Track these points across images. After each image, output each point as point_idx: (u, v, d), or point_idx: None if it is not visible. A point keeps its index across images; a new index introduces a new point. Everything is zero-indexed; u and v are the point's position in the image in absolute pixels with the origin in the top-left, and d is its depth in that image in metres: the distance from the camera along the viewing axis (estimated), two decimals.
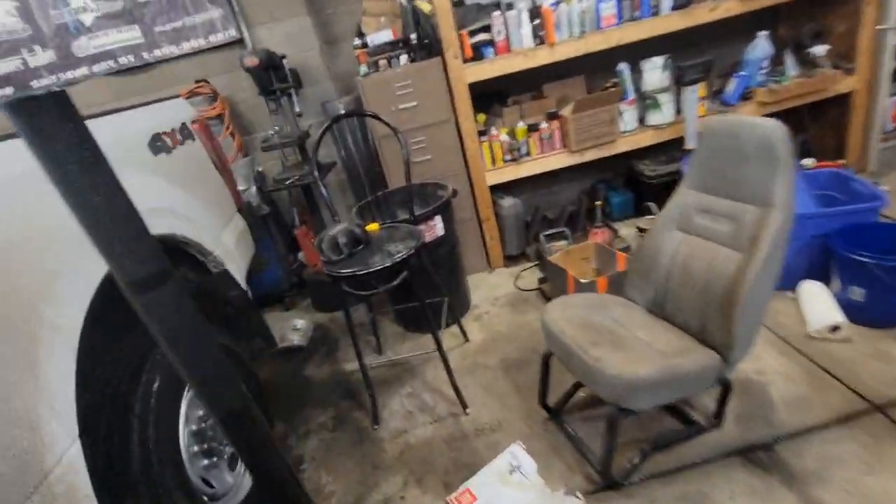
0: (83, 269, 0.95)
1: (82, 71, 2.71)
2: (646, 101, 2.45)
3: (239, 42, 2.66)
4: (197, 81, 2.68)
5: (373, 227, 1.71)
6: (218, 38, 2.66)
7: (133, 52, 2.68)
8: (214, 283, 1.63)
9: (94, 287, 0.96)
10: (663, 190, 2.56)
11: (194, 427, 1.31)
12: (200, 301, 1.72)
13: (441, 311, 2.08)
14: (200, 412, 1.36)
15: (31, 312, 0.80)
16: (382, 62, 2.27)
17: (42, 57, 2.68)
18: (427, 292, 2.02)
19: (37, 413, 0.75)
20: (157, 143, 1.48)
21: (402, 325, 2.34)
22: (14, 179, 0.87)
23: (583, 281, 1.82)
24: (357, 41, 2.39)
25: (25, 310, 0.79)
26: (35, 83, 2.71)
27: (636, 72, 2.44)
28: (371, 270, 1.43)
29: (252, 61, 2.19)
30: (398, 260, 1.46)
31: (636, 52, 2.39)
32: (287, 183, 2.36)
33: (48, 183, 0.98)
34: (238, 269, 1.75)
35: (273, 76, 2.32)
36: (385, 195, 2.28)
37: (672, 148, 2.62)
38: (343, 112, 1.95)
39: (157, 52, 2.68)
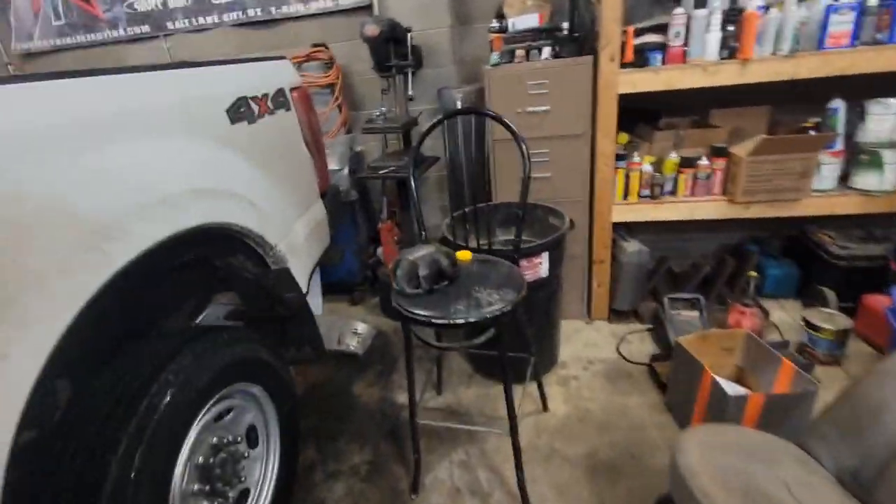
0: (81, 268, 0.70)
1: (213, 18, 2.65)
2: (860, 156, 1.81)
3: (367, 8, 2.42)
4: (315, 45, 2.50)
5: (464, 255, 1.35)
6: (346, 1, 2.44)
7: (262, 6, 2.56)
8: (272, 280, 1.39)
9: (91, 293, 0.71)
10: (852, 277, 1.92)
11: (200, 460, 1.07)
12: (255, 297, 1.53)
13: (523, 369, 1.69)
14: (214, 439, 1.12)
15: None
16: (520, 52, 1.89)
17: None
18: (510, 344, 1.63)
19: None
20: (240, 109, 1.25)
21: (471, 364, 1.99)
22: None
23: (727, 391, 1.32)
24: (494, 23, 2.03)
25: None
26: (170, 24, 2.72)
27: (854, 114, 1.80)
28: (452, 323, 1.08)
29: (372, 30, 1.93)
30: (489, 317, 1.09)
31: (859, 89, 1.75)
32: (381, 173, 2.08)
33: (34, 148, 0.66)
34: (302, 268, 1.50)
35: (392, 50, 2.04)
36: (487, 209, 1.92)
37: (876, 223, 1.95)
38: (459, 108, 1.60)
39: (285, 9, 2.54)
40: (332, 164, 2.24)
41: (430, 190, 2.66)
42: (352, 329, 2.25)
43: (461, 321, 1.08)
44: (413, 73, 2.16)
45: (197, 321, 1.60)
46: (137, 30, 2.77)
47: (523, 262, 1.53)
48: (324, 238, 1.81)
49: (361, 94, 2.64)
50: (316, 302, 1.86)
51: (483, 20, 2.37)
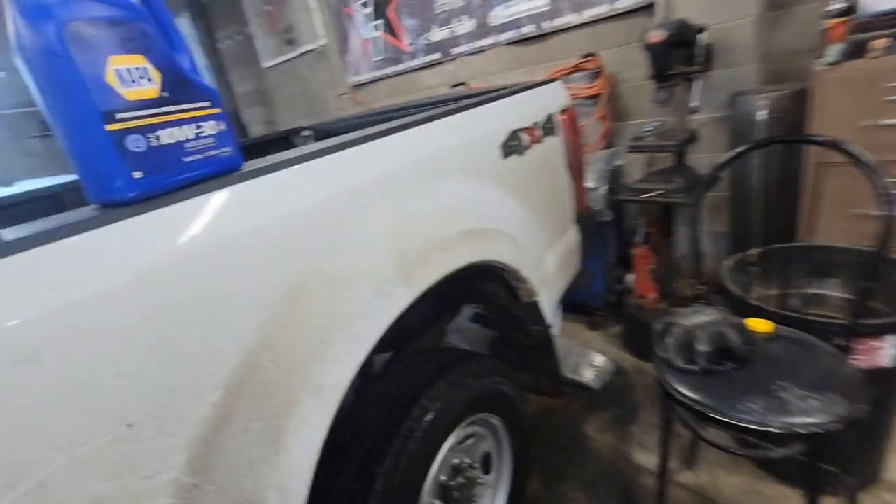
0: (376, 312, 0.79)
1: (490, 40, 2.85)
2: None
3: (647, 8, 2.17)
4: (584, 56, 2.39)
5: (761, 326, 1.05)
6: (625, 3, 2.24)
7: (535, 21, 2.61)
8: (520, 312, 1.39)
9: (379, 333, 0.80)
10: None
11: (442, 478, 1.15)
12: (501, 321, 1.56)
13: (825, 477, 1.24)
14: (456, 461, 1.19)
15: (298, 371, 0.68)
16: (879, 42, 1.35)
17: (466, 25, 2.95)
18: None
19: (263, 497, 0.63)
20: (512, 143, 1.26)
21: (740, 443, 1.59)
22: (322, 201, 0.74)
23: None
24: (835, 5, 1.51)
25: (294, 369, 0.67)
26: (455, 49, 3.06)
27: None
28: (743, 426, 0.84)
29: (656, 37, 1.70)
30: (798, 432, 0.80)
31: None
32: (646, 196, 1.85)
33: (349, 206, 0.79)
34: (550, 300, 1.45)
35: (677, 56, 1.76)
36: (790, 251, 1.47)
37: None
38: (768, 136, 1.25)
39: (557, 21, 2.52)
40: (589, 182, 2.12)
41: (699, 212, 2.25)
42: (590, 360, 2.10)
43: (754, 427, 0.82)
44: (701, 78, 1.83)
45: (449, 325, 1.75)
46: (430, 58, 3.22)
47: (856, 345, 1.10)
48: (574, 265, 1.72)
49: (628, 104, 2.41)
50: (555, 323, 1.80)
51: (807, 1, 1.82)
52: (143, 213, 0.55)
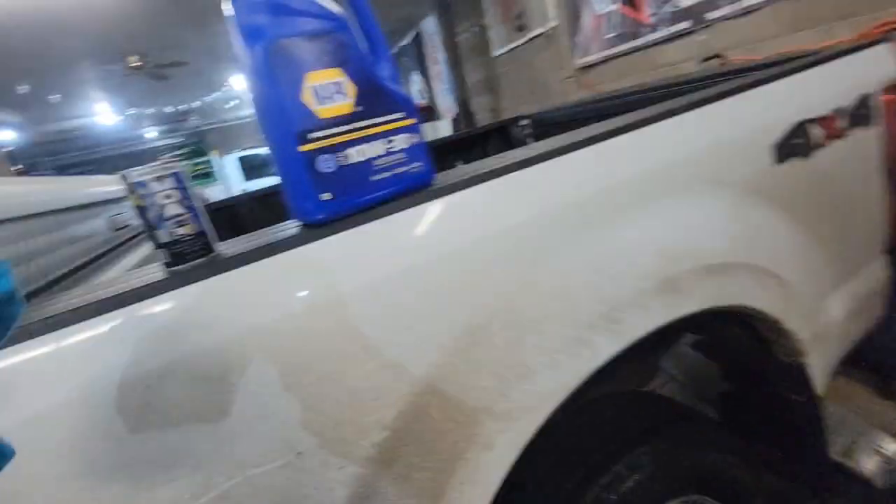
0: (568, 364, 0.65)
1: None
2: None
3: None
4: None
5: None
6: None
7: None
8: (773, 371, 1.01)
9: (569, 389, 0.65)
10: None
11: None
12: (739, 378, 1.17)
13: None
14: None
15: (467, 424, 0.59)
16: None
17: None
18: None
19: None
20: (794, 141, 0.89)
21: None
22: (516, 225, 0.61)
23: None
24: None
25: (463, 420, 0.59)
26: (712, 14, 2.49)
27: None
28: None
29: None
30: None
31: None
32: None
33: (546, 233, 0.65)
34: (826, 362, 1.02)
35: None
36: None
37: None
38: None
39: None
40: None
41: None
42: (874, 442, 1.48)
43: None
44: None
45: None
46: (676, 28, 2.72)
47: None
48: (873, 312, 1.19)
49: None
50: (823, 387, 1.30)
51: None
52: (323, 238, 0.52)
